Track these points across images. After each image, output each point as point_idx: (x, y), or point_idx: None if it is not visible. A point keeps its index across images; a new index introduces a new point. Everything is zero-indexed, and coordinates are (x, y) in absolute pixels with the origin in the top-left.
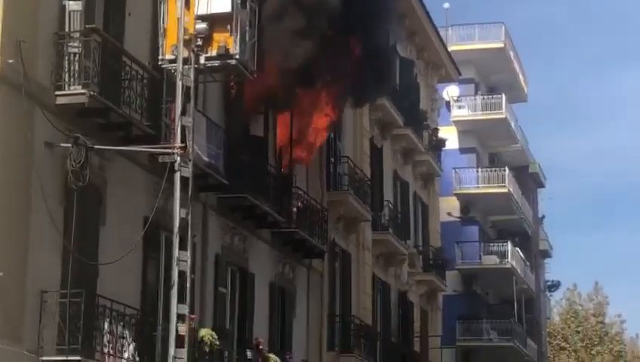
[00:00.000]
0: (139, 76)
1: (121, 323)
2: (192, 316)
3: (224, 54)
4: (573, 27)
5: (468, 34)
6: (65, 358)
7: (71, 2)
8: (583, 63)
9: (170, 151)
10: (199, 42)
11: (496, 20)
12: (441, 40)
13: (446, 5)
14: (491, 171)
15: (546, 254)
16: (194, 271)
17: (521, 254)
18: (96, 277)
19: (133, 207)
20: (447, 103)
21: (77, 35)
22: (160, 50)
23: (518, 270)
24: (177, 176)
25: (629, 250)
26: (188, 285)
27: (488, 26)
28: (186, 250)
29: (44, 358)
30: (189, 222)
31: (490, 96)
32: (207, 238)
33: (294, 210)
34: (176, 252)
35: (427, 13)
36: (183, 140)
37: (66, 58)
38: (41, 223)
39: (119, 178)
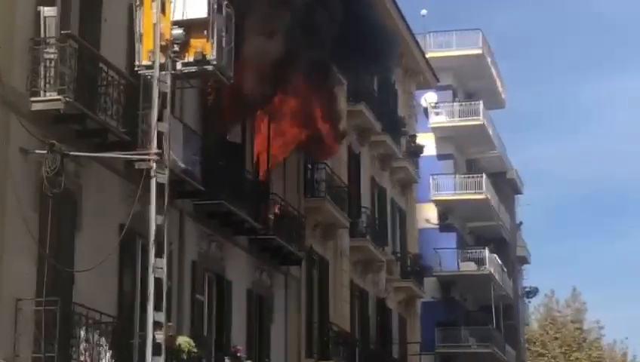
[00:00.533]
0: (115, 82)
1: (98, 331)
2: (169, 324)
3: (201, 60)
4: (550, 33)
5: (445, 41)
6: None
7: (46, 8)
8: (559, 69)
9: (146, 157)
10: (176, 48)
11: (473, 27)
12: (418, 47)
13: (423, 12)
14: (469, 178)
15: (523, 260)
16: (170, 279)
17: (499, 261)
18: (72, 284)
19: (108, 213)
20: (425, 110)
21: (53, 40)
22: (136, 56)
23: (496, 276)
24: (153, 182)
25: (606, 256)
26: (164, 292)
27: (466, 33)
28: (162, 257)
29: None
30: (165, 229)
31: (468, 103)
32: (184, 245)
33: (271, 216)
34: (152, 259)
35: (404, 20)
36: (160, 146)
37: (42, 64)
38: (15, 230)
39: (95, 184)
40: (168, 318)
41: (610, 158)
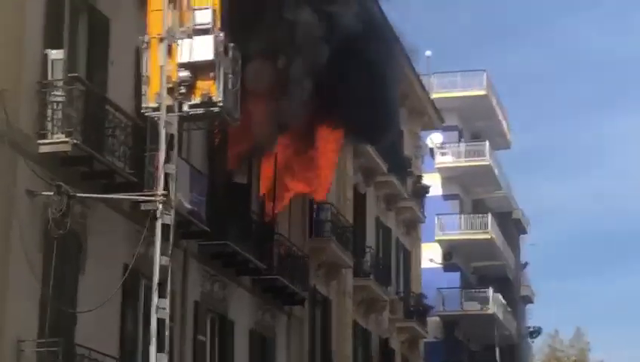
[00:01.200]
0: (122, 124)
1: None
2: None
3: (207, 102)
4: (554, 74)
5: (450, 81)
6: None
7: (53, 51)
8: (564, 110)
9: (152, 198)
10: (182, 90)
11: (477, 68)
12: (423, 87)
13: (428, 53)
14: (474, 217)
15: (527, 300)
16: (173, 319)
17: (503, 300)
18: (75, 325)
19: (113, 254)
20: (431, 150)
21: (60, 83)
22: (143, 98)
23: (500, 316)
24: (159, 223)
25: (610, 295)
26: (167, 333)
27: (470, 74)
28: (165, 297)
29: None
30: (169, 270)
31: (474, 143)
32: (187, 286)
33: (276, 257)
34: (155, 300)
35: (409, 60)
36: (166, 188)
37: (49, 106)
38: (19, 271)
39: (100, 226)
40: (170, 359)
41: (615, 197)
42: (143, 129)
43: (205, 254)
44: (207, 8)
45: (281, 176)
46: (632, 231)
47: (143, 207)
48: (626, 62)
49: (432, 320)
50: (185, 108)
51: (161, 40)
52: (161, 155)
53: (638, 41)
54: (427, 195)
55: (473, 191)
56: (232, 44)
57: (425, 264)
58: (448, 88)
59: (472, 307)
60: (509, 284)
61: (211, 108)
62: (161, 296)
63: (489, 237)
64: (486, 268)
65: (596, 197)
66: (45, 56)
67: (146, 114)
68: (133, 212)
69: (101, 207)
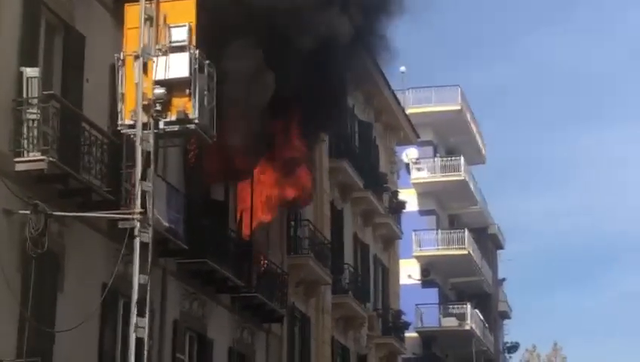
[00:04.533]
0: (98, 142)
1: None
2: None
3: (183, 119)
4: (527, 89)
5: (425, 97)
6: None
7: (28, 69)
8: (538, 125)
9: (130, 216)
10: (158, 107)
11: (452, 83)
12: (398, 103)
13: (402, 68)
14: (451, 233)
15: (505, 315)
16: (152, 338)
17: (481, 316)
18: (53, 344)
19: (91, 273)
20: (407, 166)
21: (35, 101)
22: (119, 115)
23: (478, 332)
24: (137, 241)
25: (587, 311)
26: (145, 352)
27: (444, 89)
28: (144, 316)
29: None
30: (148, 289)
31: (449, 158)
32: (166, 304)
33: (254, 274)
34: (134, 319)
35: (384, 76)
36: (143, 205)
37: (25, 124)
38: None
39: (78, 244)
40: None
41: (592, 212)
42: (119, 146)
43: (184, 272)
44: (183, 26)
45: (261, 190)
46: (608, 245)
47: (120, 225)
48: (600, 76)
49: (410, 336)
50: (161, 125)
51: (137, 57)
52: (138, 173)
53: (611, 55)
54: (404, 211)
55: (449, 207)
56: (207, 62)
57: (403, 280)
58: (423, 103)
59: (450, 323)
60: (486, 300)
61: (187, 126)
62: (140, 314)
63: (466, 252)
64: (464, 284)
65: (572, 212)
66: (21, 73)
67: (122, 131)
68: (110, 230)
69: (78, 226)
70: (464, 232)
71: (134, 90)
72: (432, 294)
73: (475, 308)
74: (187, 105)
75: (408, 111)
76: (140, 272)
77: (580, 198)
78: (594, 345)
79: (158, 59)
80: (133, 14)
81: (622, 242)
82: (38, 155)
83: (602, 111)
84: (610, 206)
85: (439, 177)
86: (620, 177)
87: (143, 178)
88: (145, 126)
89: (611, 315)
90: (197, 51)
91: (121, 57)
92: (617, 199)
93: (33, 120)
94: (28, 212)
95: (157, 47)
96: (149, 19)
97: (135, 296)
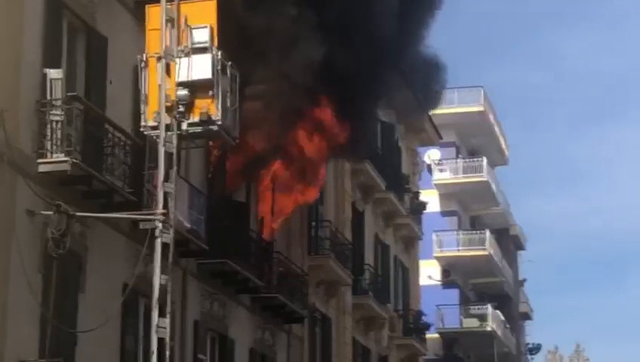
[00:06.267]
0: (121, 143)
1: None
2: None
3: (206, 120)
4: (551, 89)
5: (447, 97)
6: None
7: (52, 70)
8: (562, 125)
9: (152, 217)
10: (181, 108)
11: (474, 84)
12: None
13: None
14: (472, 234)
15: (526, 317)
16: (173, 338)
17: (502, 317)
18: (75, 345)
19: (113, 273)
20: (429, 167)
21: (59, 102)
22: (142, 116)
23: (499, 333)
24: (158, 242)
25: (610, 311)
26: (167, 353)
27: (467, 90)
28: (165, 316)
29: None
30: (169, 289)
31: (472, 160)
32: (187, 304)
33: (275, 275)
34: (155, 319)
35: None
36: (165, 206)
37: (48, 126)
38: (19, 291)
39: (100, 245)
40: None
41: (613, 213)
42: (142, 148)
43: (205, 273)
44: (204, 27)
45: (279, 192)
46: (631, 247)
47: (142, 225)
48: (624, 76)
49: (432, 337)
50: (184, 126)
51: (159, 59)
52: (160, 174)
53: (632, 54)
54: (425, 212)
55: (471, 208)
56: (229, 63)
57: (424, 281)
58: (445, 104)
59: (471, 324)
60: (507, 301)
61: (210, 127)
62: (161, 315)
63: (487, 253)
64: (485, 285)
65: (593, 213)
66: (44, 75)
67: (145, 133)
68: (132, 231)
69: (100, 226)
70: (485, 233)
71: (157, 91)
72: (453, 295)
73: (496, 309)
74: (210, 107)
75: (431, 112)
76: (161, 273)
77: (602, 199)
78: (617, 346)
79: (181, 60)
80: (154, 15)
81: None
82: (61, 157)
83: (627, 112)
84: (634, 206)
85: (461, 178)
86: None
87: (166, 179)
88: (168, 127)
89: (635, 316)
90: (219, 53)
91: (144, 59)
92: None
93: (57, 121)
94: (50, 213)
95: (179, 48)
96: (170, 20)
97: (156, 296)
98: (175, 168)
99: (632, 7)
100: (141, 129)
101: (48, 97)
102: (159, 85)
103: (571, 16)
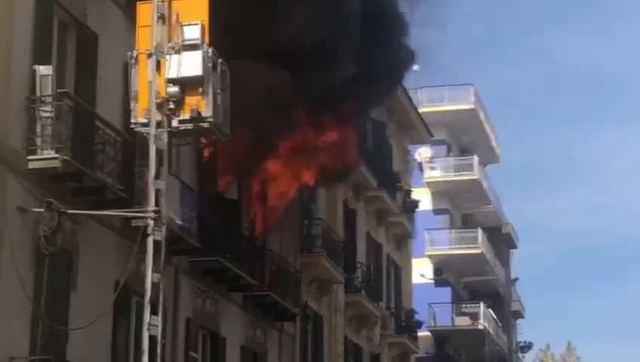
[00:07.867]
0: (112, 140)
1: None
2: None
3: (197, 117)
4: (542, 87)
5: (438, 96)
6: None
7: (42, 67)
8: (553, 124)
9: (143, 215)
10: (171, 105)
11: (465, 82)
12: (411, 102)
13: (415, 67)
14: (464, 232)
15: (518, 315)
16: (164, 336)
17: (494, 315)
18: (66, 342)
19: (104, 271)
20: (420, 165)
21: (49, 99)
22: (132, 113)
23: (491, 331)
24: (150, 239)
25: (602, 311)
26: (159, 350)
27: (458, 88)
28: (157, 314)
29: None
30: (161, 287)
31: (463, 158)
32: (179, 302)
33: (267, 273)
34: (147, 316)
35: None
36: (157, 204)
37: (38, 122)
38: (10, 289)
39: (91, 242)
40: None
41: (605, 211)
42: (133, 144)
43: (196, 270)
44: (196, 24)
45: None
46: (622, 245)
47: (133, 223)
48: (620, 75)
49: (423, 336)
50: (174, 123)
51: (150, 55)
52: (151, 171)
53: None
54: (417, 210)
55: (462, 206)
56: (220, 60)
57: (416, 279)
58: (436, 102)
59: (463, 322)
60: (499, 299)
61: (201, 124)
62: (153, 312)
63: (479, 252)
64: (477, 283)
65: (586, 212)
66: (34, 71)
67: (136, 129)
68: (124, 228)
69: (92, 224)
70: (477, 231)
71: (147, 88)
72: (445, 293)
73: (488, 307)
74: (200, 104)
75: (421, 110)
76: (153, 270)
77: (595, 198)
78: (608, 345)
79: (171, 57)
80: (145, 12)
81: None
82: (51, 153)
83: (620, 110)
84: (627, 206)
85: (452, 176)
86: (638, 177)
87: (157, 176)
88: (158, 124)
89: (626, 315)
90: (210, 49)
91: (134, 55)
92: (634, 199)
93: (47, 118)
94: (41, 210)
95: (170, 45)
96: (161, 17)
97: (148, 294)
98: (166, 165)
99: (630, 7)
100: (131, 126)
101: (38, 93)
102: (149, 82)
103: (569, 15)
